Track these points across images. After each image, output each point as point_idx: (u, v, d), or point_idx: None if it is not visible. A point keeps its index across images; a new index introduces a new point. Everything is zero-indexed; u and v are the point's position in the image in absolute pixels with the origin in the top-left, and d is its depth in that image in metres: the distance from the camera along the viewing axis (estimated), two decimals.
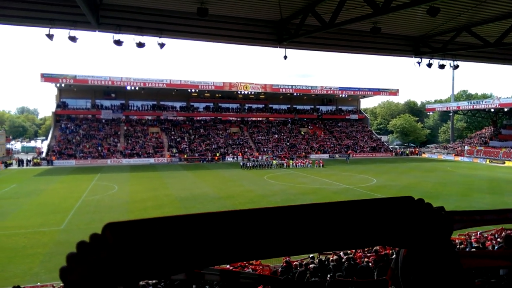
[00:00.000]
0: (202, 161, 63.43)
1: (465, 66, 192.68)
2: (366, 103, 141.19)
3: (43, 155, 60.50)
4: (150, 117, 74.82)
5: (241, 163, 55.79)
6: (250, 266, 11.27)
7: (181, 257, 0.93)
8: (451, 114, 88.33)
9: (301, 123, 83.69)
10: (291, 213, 1.03)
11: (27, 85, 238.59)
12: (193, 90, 71.36)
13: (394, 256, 1.69)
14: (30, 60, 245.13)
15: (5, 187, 35.57)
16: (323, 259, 10.87)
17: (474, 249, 10.02)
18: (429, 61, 20.43)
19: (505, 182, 40.22)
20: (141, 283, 7.79)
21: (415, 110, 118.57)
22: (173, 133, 71.49)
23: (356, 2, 13.68)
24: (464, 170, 52.35)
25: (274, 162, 57.30)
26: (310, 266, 9.38)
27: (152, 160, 62.00)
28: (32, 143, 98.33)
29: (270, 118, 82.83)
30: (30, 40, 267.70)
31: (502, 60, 21.93)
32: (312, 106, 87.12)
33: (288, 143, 73.97)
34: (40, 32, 14.55)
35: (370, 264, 9.09)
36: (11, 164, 57.54)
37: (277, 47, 17.57)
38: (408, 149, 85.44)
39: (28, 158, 59.48)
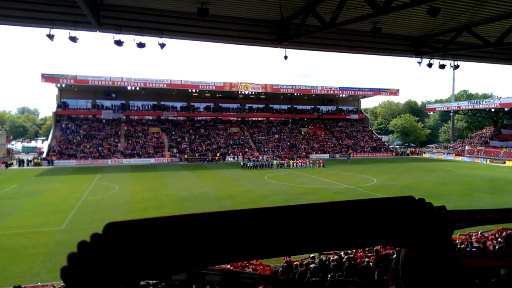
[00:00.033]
0: (203, 161, 63.44)
1: (466, 66, 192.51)
2: (367, 103, 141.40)
3: (44, 155, 60.54)
4: (150, 117, 74.82)
5: (242, 163, 55.79)
6: (251, 266, 11.27)
7: (182, 257, 0.93)
8: (451, 114, 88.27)
9: (302, 123, 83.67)
10: (291, 213, 1.03)
11: (27, 85, 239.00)
12: (193, 90, 71.34)
13: (394, 256, 1.69)
14: (31, 60, 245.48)
15: (5, 187, 35.59)
16: (323, 259, 10.87)
17: (474, 249, 10.01)
18: (430, 61, 20.42)
19: (506, 182, 40.18)
20: (141, 283, 7.79)
21: (416, 110, 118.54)
22: (173, 133, 71.50)
23: (357, 2, 13.68)
24: (465, 170, 52.32)
25: (275, 162, 57.29)
26: (310, 266, 9.38)
27: (152, 160, 62.01)
28: (33, 143, 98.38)
29: (270, 118, 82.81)
30: (31, 41, 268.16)
31: (503, 60, 21.92)
32: (313, 106, 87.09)
33: (288, 143, 73.96)
34: (40, 32, 14.56)
35: (371, 264, 9.08)
36: (11, 164, 57.58)
37: (277, 47, 17.58)
38: (409, 149, 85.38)
39: (29, 158, 59.51)
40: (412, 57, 20.02)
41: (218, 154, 65.95)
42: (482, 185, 37.25)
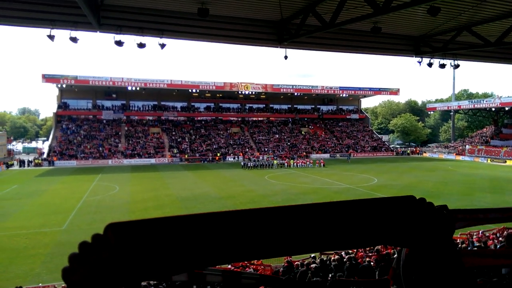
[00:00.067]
0: (203, 161, 63.46)
1: (466, 66, 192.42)
2: (367, 103, 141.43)
3: (44, 155, 60.58)
4: (151, 118, 74.86)
5: (242, 163, 55.80)
6: (252, 266, 11.27)
7: (183, 257, 0.93)
8: (452, 113, 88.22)
9: (302, 123, 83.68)
10: (292, 213, 1.03)
11: (28, 86, 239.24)
12: (194, 90, 71.36)
13: (395, 255, 1.69)
14: (31, 61, 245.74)
15: (6, 188, 35.61)
16: (324, 259, 10.87)
17: (475, 248, 10.01)
18: (430, 60, 20.43)
19: (506, 181, 40.15)
20: (142, 283, 7.79)
21: (416, 110, 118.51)
22: (174, 133, 71.54)
23: (357, 2, 13.68)
24: (465, 169, 52.30)
25: (275, 162, 57.30)
26: (311, 266, 9.38)
27: (153, 161, 62.05)
28: (33, 144, 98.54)
29: (271, 118, 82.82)
30: (31, 41, 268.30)
31: (503, 59, 21.92)
32: (313, 106, 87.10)
33: (289, 143, 73.97)
34: (41, 33, 14.57)
35: (372, 263, 9.09)
36: (12, 165, 57.65)
37: (277, 47, 17.59)
38: (409, 148, 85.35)
39: (30, 159, 59.61)
40: (412, 56, 20.03)
41: (218, 154, 65.98)
42: (483, 185, 37.23)
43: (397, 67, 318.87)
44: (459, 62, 21.52)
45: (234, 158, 65.91)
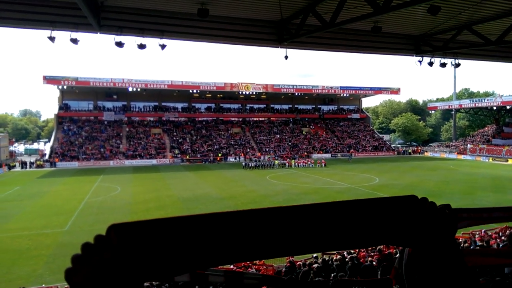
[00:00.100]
0: (204, 162, 63.48)
1: (467, 64, 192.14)
2: (368, 102, 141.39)
3: (46, 157, 60.69)
4: (152, 118, 74.93)
5: (243, 164, 55.81)
6: (254, 267, 11.27)
7: (185, 258, 0.93)
8: (453, 112, 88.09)
9: (303, 122, 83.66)
10: (294, 213, 1.03)
11: (29, 88, 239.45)
12: (194, 91, 71.44)
13: (397, 255, 1.69)
14: (32, 62, 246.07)
15: (8, 189, 35.68)
16: (326, 258, 10.86)
17: (478, 247, 9.99)
18: (430, 59, 20.38)
19: (508, 180, 40.10)
20: (145, 284, 7.79)
21: (417, 109, 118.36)
22: (175, 134, 71.59)
23: (357, 1, 13.67)
24: (467, 168, 52.24)
25: (276, 162, 57.31)
26: (313, 266, 9.37)
27: (154, 161, 62.10)
28: (35, 145, 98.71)
29: (271, 118, 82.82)
30: (32, 43, 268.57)
31: (504, 58, 21.87)
32: (314, 106, 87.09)
33: (290, 143, 73.95)
34: (42, 34, 14.59)
35: (374, 263, 9.08)
36: (14, 166, 57.75)
37: (278, 47, 17.57)
38: (410, 148, 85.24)
39: (31, 160, 59.69)
40: (413, 55, 19.99)
41: (219, 155, 66.00)
42: (485, 183, 37.19)
43: (398, 66, 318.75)
44: (460, 61, 21.47)
45: (235, 158, 65.93)
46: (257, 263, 11.80)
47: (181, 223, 0.93)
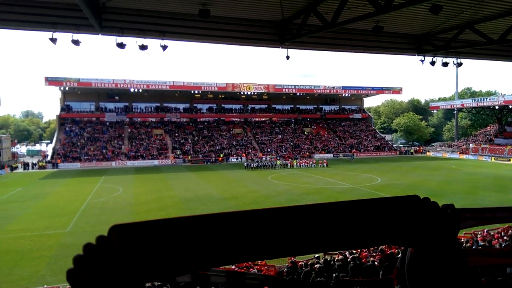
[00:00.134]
0: (206, 162, 63.51)
1: (469, 64, 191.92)
2: (370, 102, 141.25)
3: (48, 158, 60.80)
4: (153, 119, 75.01)
5: (245, 164, 55.80)
6: (256, 267, 11.27)
7: (187, 258, 0.93)
8: (455, 112, 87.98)
9: (305, 123, 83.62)
10: (295, 213, 1.03)
11: (31, 89, 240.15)
12: (196, 92, 71.51)
13: (399, 255, 1.68)
14: (34, 64, 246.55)
15: (11, 191, 35.77)
16: (328, 259, 10.85)
17: (480, 247, 9.97)
18: (432, 59, 20.36)
19: (511, 179, 39.99)
20: (147, 284, 7.79)
21: (419, 109, 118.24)
22: (176, 134, 71.67)
23: (358, 1, 13.66)
24: (469, 168, 52.11)
25: (278, 162, 57.30)
26: (315, 266, 9.36)
27: (156, 162, 62.16)
28: (37, 147, 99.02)
29: (273, 119, 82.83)
30: (34, 44, 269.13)
31: (506, 57, 21.83)
32: (315, 106, 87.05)
33: (291, 143, 73.94)
34: (43, 36, 14.64)
35: (376, 263, 9.07)
36: (16, 167, 57.88)
37: (279, 47, 17.58)
38: (413, 147, 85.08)
39: (33, 162, 59.82)
40: (415, 55, 19.97)
41: (221, 155, 66.03)
42: (487, 183, 37.10)
43: (400, 66, 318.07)
44: (462, 60, 21.44)
45: (237, 159, 65.94)
46: (259, 263, 11.80)
47: (183, 223, 0.93)
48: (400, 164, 57.62)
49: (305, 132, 79.69)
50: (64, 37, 14.81)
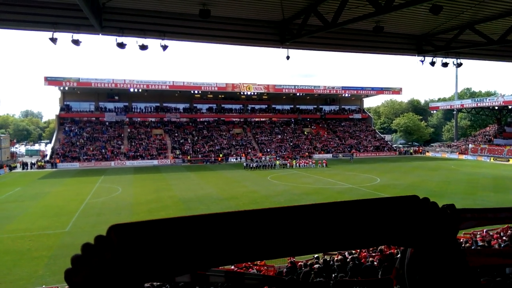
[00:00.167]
0: (206, 162, 63.50)
1: (469, 64, 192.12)
2: (370, 102, 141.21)
3: (47, 158, 60.75)
4: (153, 119, 75.00)
5: (245, 164, 55.79)
6: (255, 267, 11.26)
7: (186, 258, 0.93)
8: (455, 112, 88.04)
9: (304, 123, 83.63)
10: (295, 213, 1.03)
11: (31, 89, 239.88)
12: (196, 92, 71.49)
13: (399, 255, 1.68)
14: (34, 63, 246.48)
15: (9, 190, 35.74)
16: (327, 259, 10.85)
17: (479, 248, 9.97)
18: (432, 59, 20.37)
19: (510, 180, 40.01)
20: (146, 285, 7.78)
21: (419, 109, 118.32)
22: (176, 134, 71.65)
23: (359, 1, 13.66)
24: (468, 168, 52.15)
25: (278, 162, 57.29)
26: (314, 266, 9.36)
27: (155, 162, 62.13)
28: (36, 146, 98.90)
29: (273, 119, 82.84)
30: (34, 44, 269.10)
31: (506, 58, 21.85)
32: (315, 106, 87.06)
33: (291, 143, 73.94)
34: (43, 36, 14.65)
35: (375, 263, 9.06)
36: (15, 167, 57.82)
37: (279, 48, 17.58)
38: (412, 148, 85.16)
39: (32, 161, 59.77)
40: (415, 55, 19.98)
41: (221, 155, 66.01)
42: (486, 183, 37.12)
43: (400, 66, 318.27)
44: (462, 60, 21.46)
45: (236, 159, 65.93)
46: (259, 263, 11.80)
47: (182, 223, 0.93)
48: (400, 164, 57.65)
49: (305, 132, 79.70)
50: (64, 37, 14.82)
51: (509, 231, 13.73)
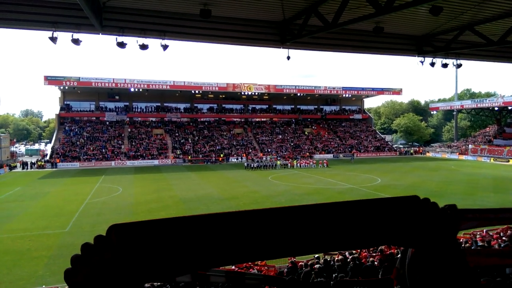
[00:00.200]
0: (206, 162, 63.48)
1: (468, 65, 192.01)
2: (370, 103, 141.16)
3: (47, 157, 60.74)
4: (154, 119, 75.00)
5: (245, 164, 55.78)
6: (256, 267, 11.26)
7: (186, 258, 0.93)
8: (455, 113, 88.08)
9: (305, 123, 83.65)
10: (296, 213, 1.03)
11: (31, 88, 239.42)
12: (196, 91, 71.51)
13: (399, 255, 1.68)
14: (34, 63, 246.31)
15: (9, 190, 35.74)
16: (328, 259, 10.84)
17: (479, 248, 9.96)
18: (432, 60, 20.38)
19: (510, 180, 40.00)
20: (146, 285, 7.77)
21: (419, 109, 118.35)
22: (177, 134, 71.64)
23: (359, 2, 13.66)
24: (468, 168, 52.13)
25: (278, 162, 57.29)
26: (315, 266, 9.36)
27: (156, 162, 62.12)
28: (36, 146, 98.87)
29: (274, 119, 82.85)
30: (34, 43, 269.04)
31: (506, 59, 21.84)
32: (316, 106, 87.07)
33: (292, 144, 73.93)
34: (43, 35, 14.65)
35: (376, 263, 9.06)
36: (15, 167, 57.81)
37: (280, 48, 17.58)
38: (412, 148, 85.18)
39: (32, 161, 59.75)
40: (415, 56, 19.98)
41: (221, 155, 66.00)
42: (486, 184, 37.10)
43: (400, 67, 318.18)
44: (462, 61, 21.47)
45: (237, 159, 65.92)
46: (259, 263, 11.79)
47: (182, 223, 0.93)
48: (400, 164, 57.64)
49: (306, 133, 79.70)
50: (64, 36, 14.82)
51: (509, 231, 13.72)
